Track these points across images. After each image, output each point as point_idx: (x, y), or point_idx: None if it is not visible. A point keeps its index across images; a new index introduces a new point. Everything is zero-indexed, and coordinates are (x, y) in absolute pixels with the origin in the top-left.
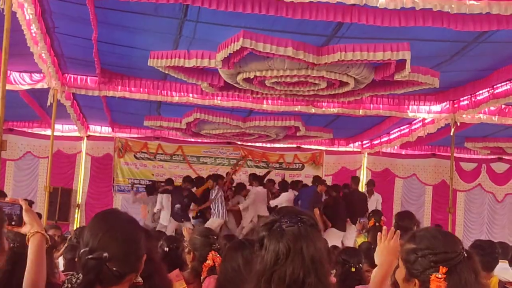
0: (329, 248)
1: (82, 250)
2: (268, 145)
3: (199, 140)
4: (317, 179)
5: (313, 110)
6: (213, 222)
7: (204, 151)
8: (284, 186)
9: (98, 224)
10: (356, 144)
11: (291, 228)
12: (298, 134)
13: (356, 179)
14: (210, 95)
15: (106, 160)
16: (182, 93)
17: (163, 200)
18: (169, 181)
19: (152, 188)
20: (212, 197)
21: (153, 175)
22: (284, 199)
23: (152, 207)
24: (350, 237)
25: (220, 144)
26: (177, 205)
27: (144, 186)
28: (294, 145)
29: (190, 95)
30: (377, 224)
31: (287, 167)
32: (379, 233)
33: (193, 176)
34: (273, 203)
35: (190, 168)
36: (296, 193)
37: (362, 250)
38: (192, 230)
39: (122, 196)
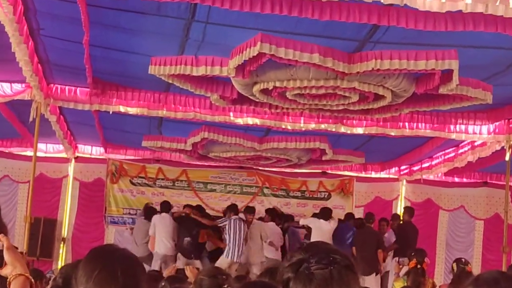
0: None
1: None
2: (288, 170)
3: (207, 164)
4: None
5: (342, 129)
6: (221, 262)
7: (213, 177)
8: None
9: (94, 261)
10: (393, 170)
11: (321, 271)
12: (324, 158)
13: (396, 217)
14: (221, 110)
15: (97, 186)
16: (188, 107)
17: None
18: (166, 205)
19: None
20: (219, 221)
21: (152, 204)
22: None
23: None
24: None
25: (232, 169)
26: (187, 239)
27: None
28: (319, 171)
29: (198, 109)
30: (419, 266)
31: (310, 196)
32: None
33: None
34: (303, 222)
35: (195, 196)
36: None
37: None
38: (199, 270)
39: (116, 229)
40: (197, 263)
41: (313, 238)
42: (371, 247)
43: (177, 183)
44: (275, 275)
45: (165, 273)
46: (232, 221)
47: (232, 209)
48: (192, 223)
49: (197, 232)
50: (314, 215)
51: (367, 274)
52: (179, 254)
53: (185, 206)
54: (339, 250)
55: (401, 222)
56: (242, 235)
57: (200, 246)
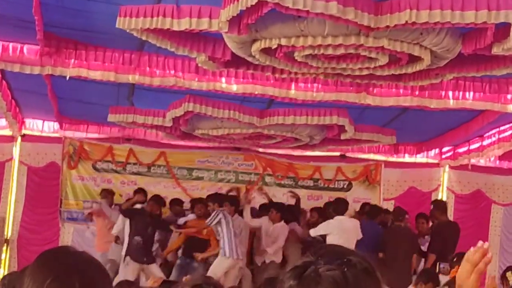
0: None
1: None
2: (297, 153)
3: (192, 145)
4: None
5: (367, 100)
6: (220, 264)
7: (200, 161)
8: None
9: (46, 268)
10: (432, 152)
11: (331, 272)
12: (343, 137)
13: (441, 205)
14: (210, 75)
15: (50, 172)
16: (168, 72)
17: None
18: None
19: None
20: (209, 223)
21: (121, 195)
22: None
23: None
24: None
25: (225, 151)
26: (137, 238)
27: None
28: (337, 154)
29: (180, 74)
30: None
31: (325, 186)
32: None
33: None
34: (314, 232)
35: (177, 186)
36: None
37: None
38: (184, 280)
39: (74, 228)
40: (154, 268)
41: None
42: (404, 252)
43: (154, 169)
44: (274, 285)
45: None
46: (222, 214)
47: (217, 199)
48: (145, 218)
49: (151, 229)
50: (321, 212)
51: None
52: (127, 257)
53: (136, 191)
54: (357, 252)
55: (437, 221)
56: (238, 231)
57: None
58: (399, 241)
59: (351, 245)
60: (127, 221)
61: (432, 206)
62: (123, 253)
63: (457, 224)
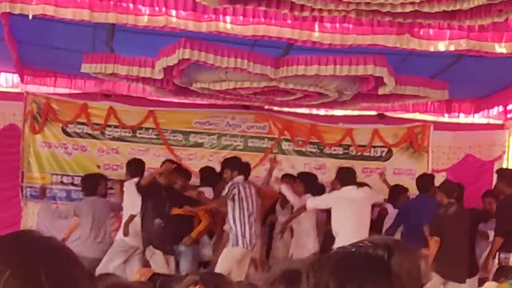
0: None
1: None
2: (323, 112)
3: (189, 102)
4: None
5: (411, 44)
6: (231, 255)
7: (198, 122)
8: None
9: (3, 257)
10: (494, 111)
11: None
12: (381, 91)
13: (509, 173)
14: (210, 12)
15: (8, 137)
16: (157, 8)
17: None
18: (137, 164)
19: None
20: (225, 193)
21: (99, 166)
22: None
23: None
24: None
25: (230, 110)
26: (157, 220)
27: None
28: (373, 113)
29: (173, 12)
30: None
31: (358, 154)
32: None
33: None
34: (313, 204)
35: (170, 154)
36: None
37: None
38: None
39: (40, 207)
40: (158, 258)
41: (340, 221)
42: (465, 236)
43: (140, 133)
44: (297, 282)
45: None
46: (240, 187)
47: (236, 165)
48: (162, 194)
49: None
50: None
51: (459, 279)
52: (150, 246)
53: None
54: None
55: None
56: (255, 208)
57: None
58: (460, 222)
59: (363, 219)
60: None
61: (496, 177)
62: (132, 243)
63: None
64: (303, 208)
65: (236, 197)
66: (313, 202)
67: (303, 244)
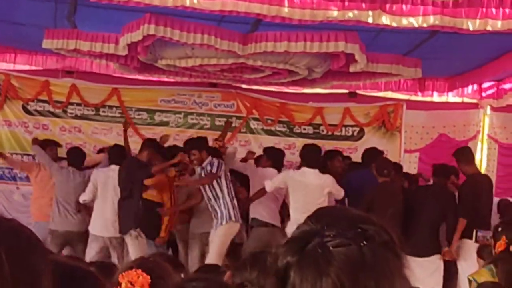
0: None
1: None
2: (293, 90)
3: (154, 79)
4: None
5: (383, 20)
6: (229, 232)
7: (164, 100)
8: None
9: None
10: (469, 89)
11: (344, 249)
12: (352, 69)
13: (466, 152)
14: None
15: None
16: None
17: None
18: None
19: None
20: (215, 170)
21: (60, 146)
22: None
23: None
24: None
25: (197, 87)
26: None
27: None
28: (345, 91)
29: None
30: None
31: (329, 134)
32: None
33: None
34: (271, 185)
35: (135, 134)
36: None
37: None
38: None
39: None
40: (131, 240)
41: (292, 203)
42: (432, 212)
43: (104, 112)
44: (263, 262)
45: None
46: (215, 162)
47: (204, 146)
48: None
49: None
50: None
51: (423, 254)
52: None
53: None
54: (372, 217)
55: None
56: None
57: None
58: (428, 199)
59: (313, 206)
60: (104, 186)
61: (455, 157)
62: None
63: (489, 178)
64: (263, 190)
65: (223, 174)
66: (271, 183)
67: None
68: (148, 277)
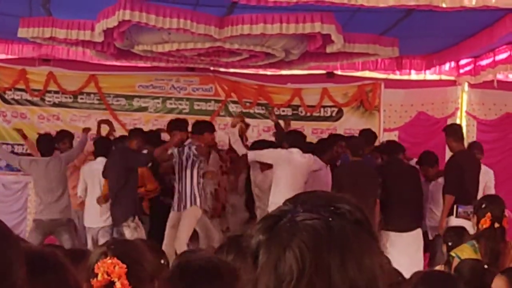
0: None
1: None
2: (270, 72)
3: (131, 65)
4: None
5: (359, 0)
6: (193, 214)
7: (142, 86)
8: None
9: None
10: (446, 67)
11: (312, 221)
12: (329, 50)
13: (457, 129)
14: None
15: None
16: None
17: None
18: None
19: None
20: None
21: (39, 134)
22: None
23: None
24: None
25: (174, 72)
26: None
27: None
28: (322, 72)
29: None
30: (496, 224)
31: (308, 115)
32: None
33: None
34: (255, 155)
35: (114, 120)
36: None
37: (471, 275)
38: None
39: None
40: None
41: (276, 180)
42: (412, 187)
43: (82, 99)
44: (240, 245)
45: None
46: (187, 147)
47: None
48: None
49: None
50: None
51: (405, 229)
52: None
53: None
54: (350, 198)
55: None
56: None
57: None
58: (408, 177)
59: (298, 185)
60: (92, 179)
61: (445, 132)
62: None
63: (475, 156)
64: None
65: (196, 158)
66: (255, 154)
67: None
68: (124, 266)
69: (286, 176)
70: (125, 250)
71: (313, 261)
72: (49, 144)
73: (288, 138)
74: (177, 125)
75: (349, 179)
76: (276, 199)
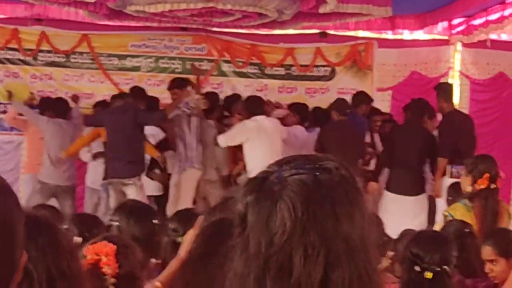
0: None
1: None
2: (263, 31)
3: (124, 25)
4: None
5: None
6: (189, 176)
7: (134, 45)
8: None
9: None
10: (439, 26)
11: (300, 176)
12: (322, 10)
13: (448, 89)
14: None
15: None
16: None
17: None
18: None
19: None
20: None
21: (32, 93)
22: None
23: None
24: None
25: (167, 32)
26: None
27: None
28: (315, 31)
29: None
30: (492, 185)
31: (301, 74)
32: None
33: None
34: (225, 140)
35: (106, 79)
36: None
37: (454, 236)
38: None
39: None
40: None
41: (253, 152)
42: (415, 151)
43: (74, 58)
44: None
45: None
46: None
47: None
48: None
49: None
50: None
51: (410, 193)
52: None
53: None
54: (335, 158)
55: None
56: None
57: None
58: (410, 137)
59: (278, 151)
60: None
61: (436, 90)
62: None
63: (467, 115)
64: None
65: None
66: (224, 139)
67: None
68: (114, 246)
69: (263, 147)
70: (116, 238)
71: (305, 211)
72: (66, 107)
73: (247, 106)
74: (177, 83)
75: (333, 139)
76: (254, 163)
